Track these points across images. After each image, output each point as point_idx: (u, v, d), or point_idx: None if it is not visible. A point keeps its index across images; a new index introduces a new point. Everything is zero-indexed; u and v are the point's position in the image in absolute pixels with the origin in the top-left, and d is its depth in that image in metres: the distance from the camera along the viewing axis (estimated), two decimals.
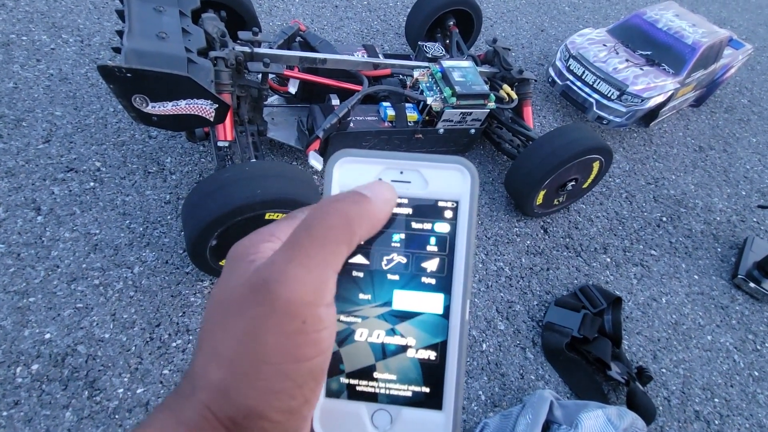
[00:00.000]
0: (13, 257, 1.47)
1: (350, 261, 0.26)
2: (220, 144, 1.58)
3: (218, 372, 0.21)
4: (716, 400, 1.74)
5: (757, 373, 1.86)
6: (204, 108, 1.34)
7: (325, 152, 1.81)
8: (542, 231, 2.13)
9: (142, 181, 1.77)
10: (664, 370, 1.77)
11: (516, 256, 1.99)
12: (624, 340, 1.81)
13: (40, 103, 1.90)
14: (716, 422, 1.67)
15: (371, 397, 0.26)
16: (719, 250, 2.32)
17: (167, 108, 1.29)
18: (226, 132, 1.55)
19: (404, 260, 0.26)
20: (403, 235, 0.26)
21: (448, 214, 0.26)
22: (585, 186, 2.11)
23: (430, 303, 0.26)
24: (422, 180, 0.27)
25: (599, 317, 1.77)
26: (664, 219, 2.39)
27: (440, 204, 0.27)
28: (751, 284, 2.13)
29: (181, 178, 1.82)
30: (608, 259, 2.10)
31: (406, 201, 0.27)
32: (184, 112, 1.32)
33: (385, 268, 0.26)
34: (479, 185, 0.26)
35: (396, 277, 0.26)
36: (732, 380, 1.81)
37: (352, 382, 0.26)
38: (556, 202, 2.10)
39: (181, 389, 0.22)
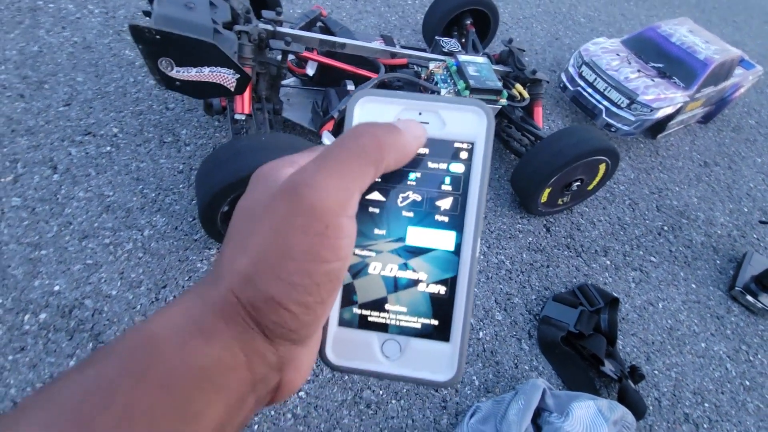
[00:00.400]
0: (28, 211, 1.51)
1: (367, 197, 0.27)
2: (236, 117, 1.61)
3: (245, 261, 0.22)
4: (706, 404, 1.76)
5: (748, 383, 1.88)
6: (226, 77, 1.38)
7: (338, 133, 1.84)
8: (545, 229, 2.16)
9: (157, 150, 1.81)
10: (656, 372, 1.79)
11: (517, 251, 2.02)
12: (619, 340, 1.83)
13: (62, 68, 1.94)
14: (705, 426, 1.69)
15: (382, 328, 0.27)
16: (718, 262, 2.34)
17: (191, 74, 1.32)
18: (244, 105, 1.59)
19: (419, 198, 0.27)
20: (419, 174, 0.27)
21: (464, 155, 0.27)
22: (590, 188, 2.14)
23: (443, 240, 0.27)
24: (440, 121, 0.28)
25: (596, 315, 1.79)
26: (666, 228, 2.42)
27: (456, 145, 0.27)
28: (748, 297, 2.15)
29: (195, 150, 1.86)
30: (608, 262, 2.13)
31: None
32: (206, 80, 1.36)
33: (400, 205, 0.27)
34: (494, 128, 0.28)
35: (410, 214, 0.27)
36: (723, 387, 1.83)
37: (365, 312, 0.27)
38: (560, 201, 2.13)
39: (207, 279, 0.23)
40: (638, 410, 1.57)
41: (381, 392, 1.44)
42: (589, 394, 1.50)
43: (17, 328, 1.29)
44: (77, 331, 1.32)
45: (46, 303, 1.35)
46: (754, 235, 2.56)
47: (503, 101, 2.01)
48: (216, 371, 0.21)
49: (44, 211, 1.52)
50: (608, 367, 1.65)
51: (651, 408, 1.67)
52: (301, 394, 1.37)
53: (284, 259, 0.21)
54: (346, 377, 1.42)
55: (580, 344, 1.69)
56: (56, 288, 1.38)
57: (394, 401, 1.44)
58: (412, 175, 0.27)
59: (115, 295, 1.41)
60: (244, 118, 1.63)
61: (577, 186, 2.05)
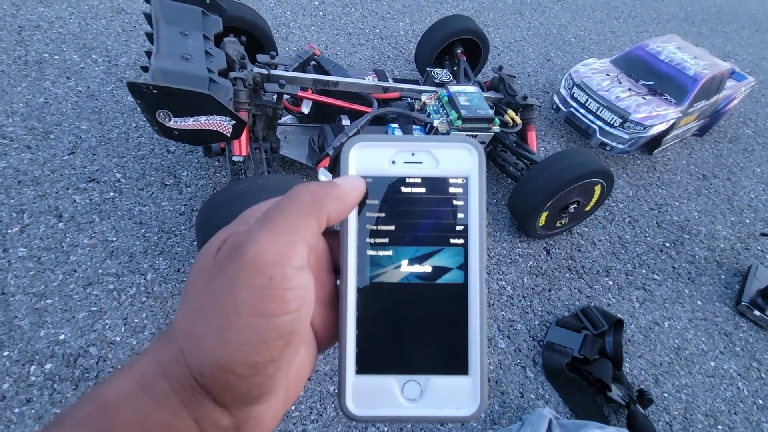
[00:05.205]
0: (34, 261, 1.55)
1: (371, 238, 0.28)
2: (235, 159, 1.66)
3: (193, 322, 0.23)
4: (719, 426, 1.72)
5: (761, 401, 1.84)
6: (222, 124, 1.43)
7: (334, 169, 1.88)
8: (545, 252, 2.16)
9: (158, 193, 1.85)
10: (666, 395, 1.76)
11: (518, 276, 2.02)
12: (625, 363, 1.81)
13: (67, 117, 2.01)
14: None
15: (400, 369, 0.27)
16: (723, 276, 2.32)
17: (188, 123, 1.37)
18: (241, 147, 1.64)
19: (424, 233, 0.28)
20: (420, 210, 0.29)
21: (459, 189, 0.29)
22: (587, 209, 2.15)
23: (450, 271, 0.28)
24: (433, 160, 0.29)
25: (600, 338, 1.78)
26: (667, 244, 2.41)
27: (452, 181, 0.29)
28: (756, 312, 2.12)
29: (196, 191, 1.90)
30: (610, 282, 2.12)
31: (419, 180, 0.29)
32: (203, 128, 1.41)
33: (405, 241, 0.28)
34: (485, 161, 0.29)
35: (416, 250, 0.28)
36: (736, 407, 1.80)
37: (380, 355, 0.27)
38: (558, 224, 2.14)
39: (163, 337, 0.24)
40: None
41: (385, 429, 1.44)
42: (596, 422, 1.48)
43: (23, 379, 1.30)
44: (82, 380, 1.33)
45: (52, 353, 1.37)
46: (758, 247, 2.54)
47: (496, 128, 2.05)
48: None
49: (50, 260, 1.56)
50: (615, 393, 1.63)
51: None
52: None
53: (230, 317, 0.22)
54: None
55: (586, 370, 1.68)
56: (61, 337, 1.40)
57: None
58: (414, 212, 0.28)
59: (119, 341, 1.43)
60: (242, 160, 1.67)
61: (574, 208, 2.06)
